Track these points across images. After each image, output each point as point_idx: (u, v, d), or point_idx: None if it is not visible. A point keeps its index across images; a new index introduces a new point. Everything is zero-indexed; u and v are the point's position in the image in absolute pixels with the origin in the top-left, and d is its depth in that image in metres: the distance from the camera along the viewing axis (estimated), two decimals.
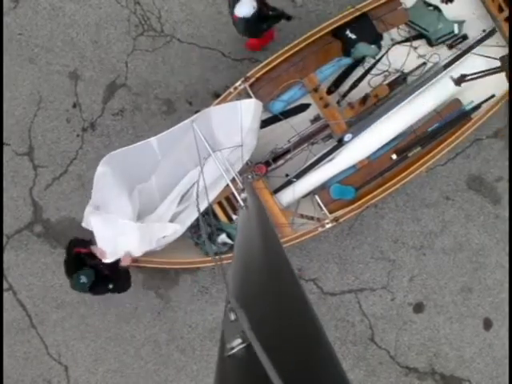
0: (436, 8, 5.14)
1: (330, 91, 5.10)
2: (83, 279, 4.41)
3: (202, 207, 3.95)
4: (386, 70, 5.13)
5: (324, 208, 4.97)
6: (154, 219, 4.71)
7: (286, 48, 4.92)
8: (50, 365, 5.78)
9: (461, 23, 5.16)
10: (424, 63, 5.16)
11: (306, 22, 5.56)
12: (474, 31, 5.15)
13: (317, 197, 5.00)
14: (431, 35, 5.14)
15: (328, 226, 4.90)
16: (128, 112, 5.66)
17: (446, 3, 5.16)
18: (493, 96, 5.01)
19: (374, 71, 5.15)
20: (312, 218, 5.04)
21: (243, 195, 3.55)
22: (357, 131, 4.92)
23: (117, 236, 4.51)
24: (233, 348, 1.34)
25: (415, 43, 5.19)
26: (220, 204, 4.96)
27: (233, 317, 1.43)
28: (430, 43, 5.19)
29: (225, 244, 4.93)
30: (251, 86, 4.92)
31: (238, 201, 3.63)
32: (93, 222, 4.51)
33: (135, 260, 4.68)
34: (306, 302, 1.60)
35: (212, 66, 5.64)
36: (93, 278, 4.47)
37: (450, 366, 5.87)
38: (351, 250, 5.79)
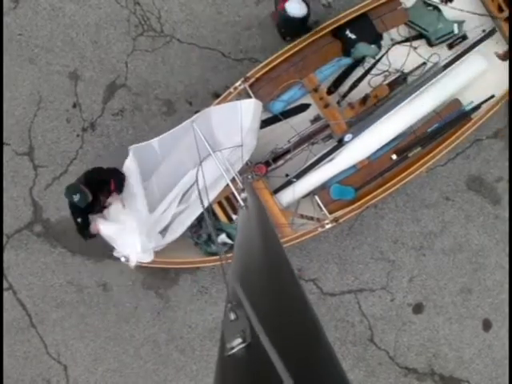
0: (436, 8, 5.15)
1: (330, 91, 5.10)
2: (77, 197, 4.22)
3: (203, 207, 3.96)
4: (386, 70, 5.13)
5: (324, 208, 4.97)
6: (154, 218, 4.72)
7: (286, 48, 4.92)
8: (49, 364, 5.79)
9: (460, 23, 5.16)
10: (424, 63, 5.15)
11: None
12: (473, 31, 5.15)
13: (317, 197, 4.99)
14: (431, 35, 5.13)
15: (328, 226, 4.90)
16: (128, 112, 5.66)
17: (446, 3, 5.17)
18: (493, 96, 5.01)
19: (373, 71, 5.15)
20: (312, 219, 5.04)
21: (243, 195, 3.54)
22: (357, 131, 4.92)
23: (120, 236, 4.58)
24: (233, 348, 1.34)
25: (415, 43, 5.18)
26: (220, 204, 4.97)
27: (233, 316, 1.43)
28: (430, 43, 5.18)
29: (225, 244, 4.93)
30: (251, 86, 4.91)
31: (238, 201, 3.62)
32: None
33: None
34: (306, 303, 1.60)
35: (212, 66, 5.64)
36: (89, 198, 4.32)
37: (450, 366, 5.87)
38: (351, 250, 5.78)
